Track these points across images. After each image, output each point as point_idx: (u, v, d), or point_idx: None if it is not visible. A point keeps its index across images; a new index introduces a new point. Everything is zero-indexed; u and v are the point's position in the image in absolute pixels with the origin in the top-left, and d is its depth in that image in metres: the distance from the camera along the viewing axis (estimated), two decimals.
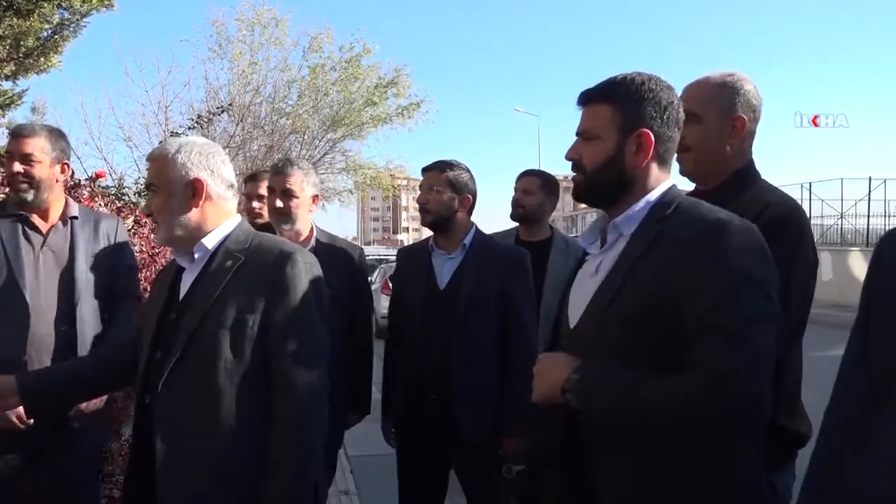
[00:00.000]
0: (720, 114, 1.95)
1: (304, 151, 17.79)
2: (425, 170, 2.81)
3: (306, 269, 1.86)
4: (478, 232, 2.85)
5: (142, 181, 9.89)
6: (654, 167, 1.56)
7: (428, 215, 2.76)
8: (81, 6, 9.42)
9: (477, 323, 2.62)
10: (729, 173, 1.96)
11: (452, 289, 2.71)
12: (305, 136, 18.56)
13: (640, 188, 1.55)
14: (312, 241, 2.86)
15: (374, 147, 38.83)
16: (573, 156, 1.60)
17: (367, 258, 3.36)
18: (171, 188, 1.84)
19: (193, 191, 1.85)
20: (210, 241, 1.87)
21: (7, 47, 9.43)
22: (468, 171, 2.82)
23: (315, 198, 2.87)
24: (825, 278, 15.43)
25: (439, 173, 2.74)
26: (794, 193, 16.23)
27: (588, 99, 1.60)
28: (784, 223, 1.79)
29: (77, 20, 9.96)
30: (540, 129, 36.17)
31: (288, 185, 2.76)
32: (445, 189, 2.73)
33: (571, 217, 68.71)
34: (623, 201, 1.56)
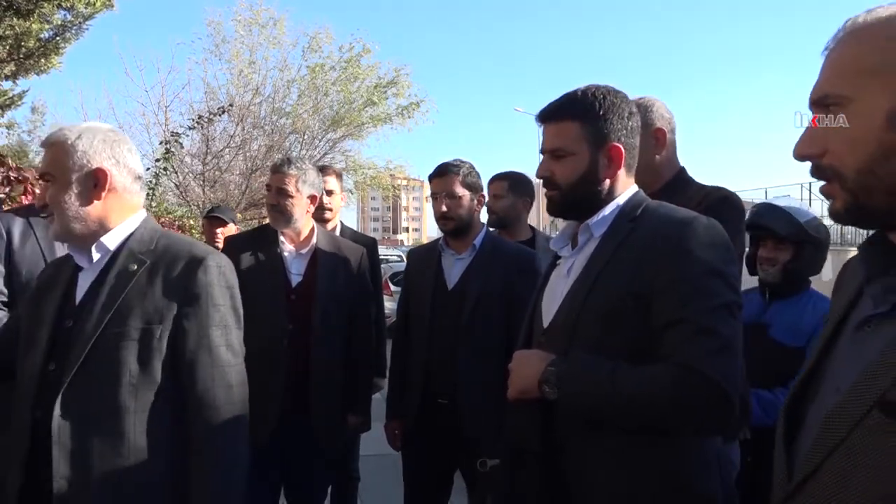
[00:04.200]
0: (643, 131, 2.05)
1: (304, 151, 17.76)
2: (436, 176, 2.77)
3: (220, 275, 1.72)
4: (488, 232, 2.85)
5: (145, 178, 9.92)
6: (623, 175, 1.64)
7: (451, 222, 2.72)
8: (84, 9, 9.43)
9: (484, 323, 2.62)
10: (662, 183, 2.14)
11: (461, 289, 2.71)
12: (305, 136, 18.52)
13: (610, 196, 1.63)
14: (313, 241, 2.86)
15: (374, 147, 38.77)
16: (544, 174, 1.64)
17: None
18: (68, 178, 1.66)
19: (95, 181, 1.68)
20: (111, 240, 1.71)
21: (7, 48, 9.43)
22: (474, 167, 2.82)
23: (313, 198, 2.86)
24: (825, 279, 15.41)
25: (454, 177, 2.72)
26: (795, 193, 16.22)
27: (551, 116, 1.63)
28: (725, 202, 2.03)
29: (80, 23, 9.97)
30: (539, 128, 36.01)
31: (282, 185, 2.77)
32: (464, 192, 2.73)
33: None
34: (596, 210, 1.63)
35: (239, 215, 13.23)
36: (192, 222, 11.28)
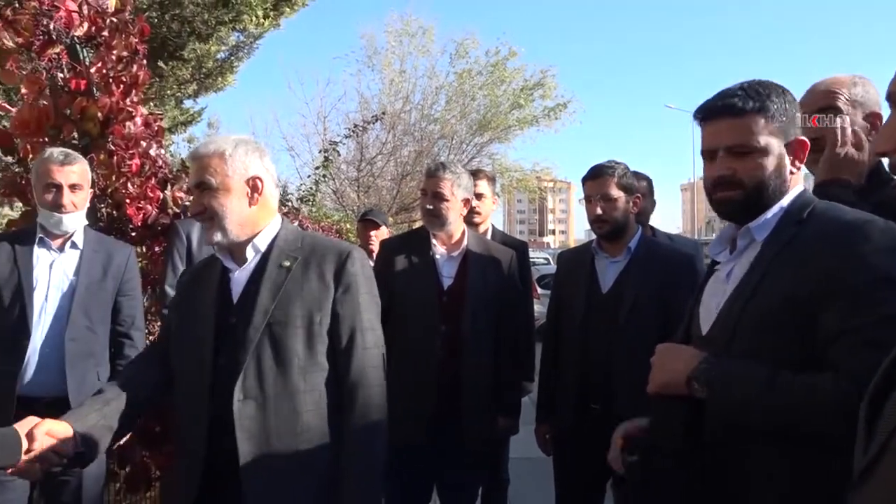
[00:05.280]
0: (861, 110, 1.89)
1: (452, 156, 18.14)
2: (590, 178, 2.73)
3: (363, 266, 1.86)
4: (643, 234, 2.77)
5: (304, 188, 10.61)
6: (798, 172, 1.56)
7: (606, 225, 2.68)
8: (255, 29, 10.26)
9: (640, 328, 2.53)
10: (863, 180, 1.88)
11: (616, 293, 2.64)
12: (453, 141, 18.93)
13: (777, 196, 1.53)
14: (464, 244, 2.90)
15: (521, 149, 38.88)
16: (725, 171, 1.52)
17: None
18: (230, 186, 1.80)
19: (253, 188, 1.83)
20: (262, 241, 1.85)
21: (190, 69, 10.46)
22: (628, 168, 2.75)
23: (466, 201, 2.90)
24: None
25: (609, 179, 2.67)
26: None
27: (729, 110, 1.52)
28: None
29: (250, 42, 10.87)
30: (694, 126, 34.34)
31: (438, 189, 2.82)
32: (619, 194, 2.67)
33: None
34: (761, 211, 1.53)
35: (391, 219, 13.74)
36: (348, 226, 11.88)
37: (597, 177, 2.69)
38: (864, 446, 0.93)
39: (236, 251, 1.86)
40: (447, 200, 2.82)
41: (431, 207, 2.83)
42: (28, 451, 1.52)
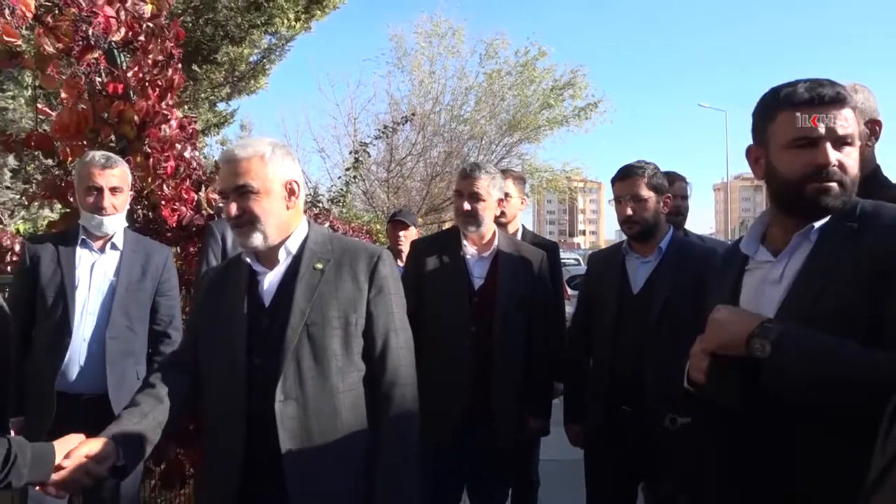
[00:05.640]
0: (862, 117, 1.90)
1: (481, 156, 18.13)
2: (619, 178, 2.71)
3: (392, 267, 1.89)
4: (674, 234, 2.74)
5: (334, 190, 10.70)
6: None
7: (636, 226, 2.65)
8: (286, 31, 10.38)
9: (672, 329, 2.48)
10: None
11: (646, 293, 2.62)
12: (483, 142, 18.91)
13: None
14: (495, 244, 2.90)
15: (551, 150, 38.69)
16: (835, 163, 1.46)
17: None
18: (270, 189, 1.78)
19: (290, 191, 1.82)
20: (293, 244, 1.86)
21: (224, 73, 10.62)
22: (658, 168, 2.72)
23: (500, 201, 2.91)
24: None
25: (639, 179, 2.65)
26: None
27: (835, 101, 1.47)
28: None
29: (282, 45, 11.00)
30: (727, 124, 33.83)
31: (475, 189, 2.82)
32: (650, 194, 2.64)
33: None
34: None
35: (420, 219, 13.77)
36: (378, 226, 11.93)
37: (626, 177, 2.67)
38: (882, 450, 0.92)
39: (266, 254, 1.85)
40: (483, 200, 2.83)
41: (470, 208, 2.83)
42: (59, 467, 1.49)
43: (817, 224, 1.49)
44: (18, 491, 1.83)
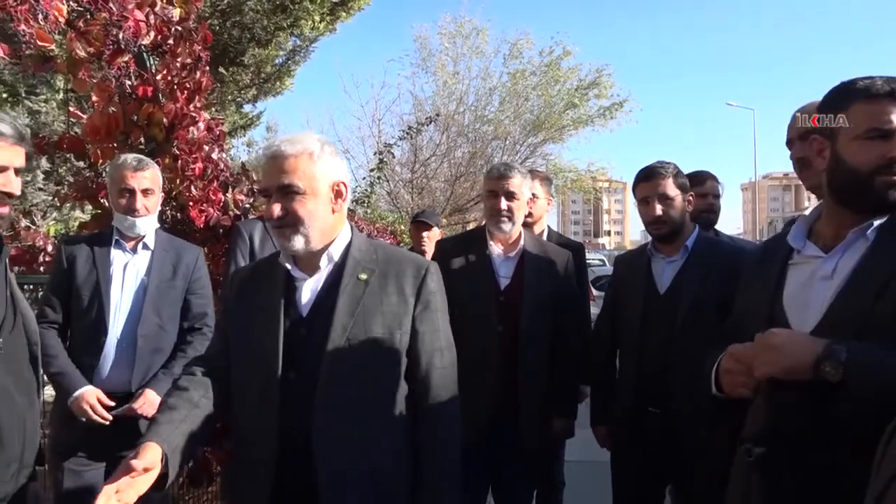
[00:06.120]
0: None
1: (506, 157, 18.07)
2: (643, 179, 2.68)
3: (439, 281, 1.79)
4: (700, 232, 2.71)
5: (359, 190, 10.75)
6: None
7: (664, 226, 2.62)
8: (310, 33, 10.45)
9: (700, 329, 2.43)
10: None
11: (673, 293, 2.59)
12: (507, 142, 18.84)
13: None
14: (521, 244, 2.89)
15: (575, 150, 38.50)
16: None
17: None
18: (317, 190, 1.65)
19: (338, 192, 1.69)
20: (336, 251, 1.73)
21: (250, 74, 10.73)
22: (678, 166, 2.71)
23: (529, 201, 2.93)
24: None
25: (666, 178, 2.62)
26: None
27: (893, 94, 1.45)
28: None
29: (307, 46, 11.07)
30: (755, 123, 33.39)
31: (511, 188, 2.82)
32: (676, 193, 2.62)
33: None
34: None
35: (444, 220, 13.78)
36: (402, 227, 11.96)
37: (652, 177, 2.64)
38: (876, 474, 0.91)
39: (306, 259, 1.73)
40: (518, 199, 2.83)
41: (506, 207, 2.82)
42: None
43: (877, 222, 1.45)
44: (19, 490, 1.81)
